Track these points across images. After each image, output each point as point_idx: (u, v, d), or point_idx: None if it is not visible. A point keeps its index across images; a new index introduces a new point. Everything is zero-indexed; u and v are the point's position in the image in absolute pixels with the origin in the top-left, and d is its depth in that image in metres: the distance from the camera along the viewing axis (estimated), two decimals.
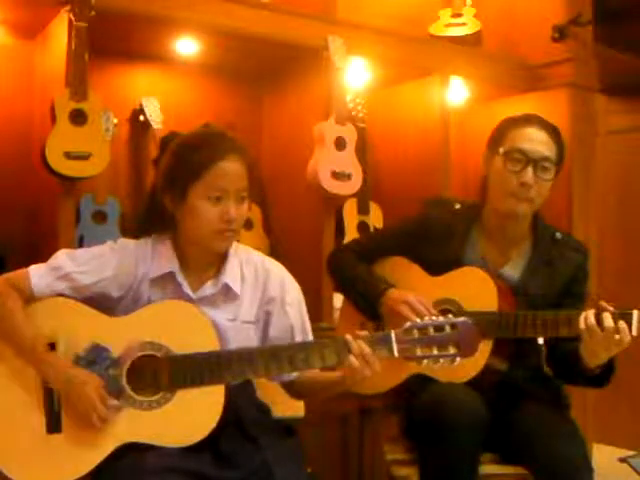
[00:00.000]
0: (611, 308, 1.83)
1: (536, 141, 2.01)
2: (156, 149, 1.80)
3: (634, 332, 1.80)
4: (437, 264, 2.07)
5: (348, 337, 1.67)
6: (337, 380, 1.73)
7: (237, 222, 1.70)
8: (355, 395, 2.13)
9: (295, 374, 1.80)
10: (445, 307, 2.04)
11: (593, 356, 1.84)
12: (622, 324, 1.80)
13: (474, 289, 2.01)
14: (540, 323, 1.93)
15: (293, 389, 1.86)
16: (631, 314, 1.81)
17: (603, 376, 1.92)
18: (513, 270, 2.08)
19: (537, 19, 3.36)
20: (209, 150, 1.69)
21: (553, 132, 2.06)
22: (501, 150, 2.04)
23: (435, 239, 2.09)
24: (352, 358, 1.64)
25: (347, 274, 2.18)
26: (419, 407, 1.93)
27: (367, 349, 1.65)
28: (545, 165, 2.01)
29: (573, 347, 1.89)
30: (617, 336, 1.79)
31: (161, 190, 1.73)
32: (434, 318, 1.69)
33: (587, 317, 1.83)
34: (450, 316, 1.70)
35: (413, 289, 2.05)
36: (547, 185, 2.03)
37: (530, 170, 1.99)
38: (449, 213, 2.16)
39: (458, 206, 2.17)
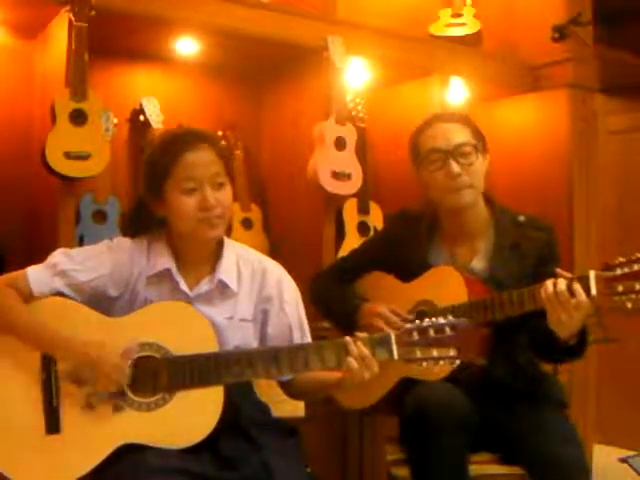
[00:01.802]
0: (569, 275, 1.83)
1: (445, 134, 2.06)
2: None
3: (593, 292, 1.78)
4: (409, 271, 2.12)
5: (347, 339, 1.67)
6: (336, 382, 1.73)
7: (219, 208, 1.70)
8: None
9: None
10: (421, 308, 2.08)
11: (559, 324, 1.83)
12: (576, 286, 1.79)
13: (443, 285, 2.05)
14: (507, 301, 1.92)
15: (291, 389, 1.86)
16: (588, 276, 1.80)
17: (579, 347, 1.92)
18: (481, 261, 2.09)
19: (537, 19, 3.35)
20: (174, 147, 1.71)
21: (459, 118, 2.11)
22: (420, 159, 2.09)
23: (401, 249, 2.16)
24: (351, 360, 1.64)
25: (324, 298, 2.26)
26: (405, 410, 1.92)
27: (366, 351, 1.65)
28: (464, 150, 2.04)
29: (547, 324, 1.88)
30: (574, 300, 1.78)
31: (144, 195, 1.77)
32: (434, 319, 1.67)
33: (546, 287, 1.82)
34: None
35: (391, 299, 2.11)
36: (477, 166, 2.06)
37: (451, 162, 2.03)
38: (410, 222, 2.20)
39: (418, 215, 2.20)
